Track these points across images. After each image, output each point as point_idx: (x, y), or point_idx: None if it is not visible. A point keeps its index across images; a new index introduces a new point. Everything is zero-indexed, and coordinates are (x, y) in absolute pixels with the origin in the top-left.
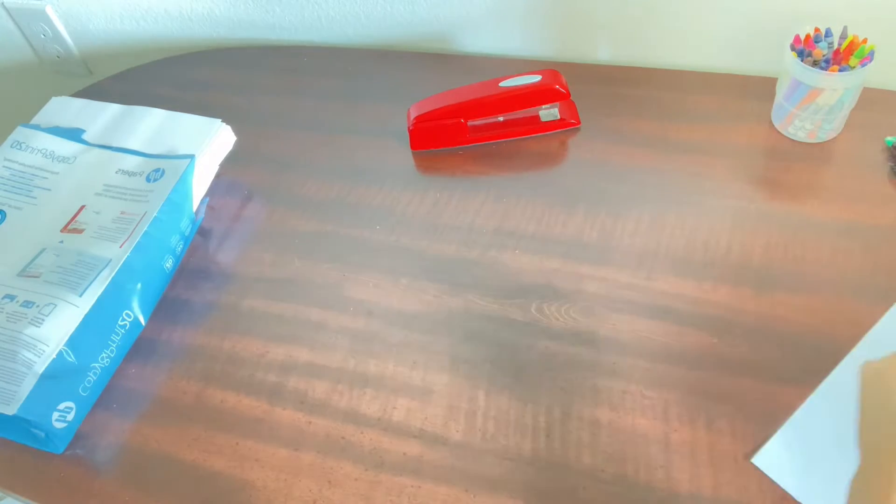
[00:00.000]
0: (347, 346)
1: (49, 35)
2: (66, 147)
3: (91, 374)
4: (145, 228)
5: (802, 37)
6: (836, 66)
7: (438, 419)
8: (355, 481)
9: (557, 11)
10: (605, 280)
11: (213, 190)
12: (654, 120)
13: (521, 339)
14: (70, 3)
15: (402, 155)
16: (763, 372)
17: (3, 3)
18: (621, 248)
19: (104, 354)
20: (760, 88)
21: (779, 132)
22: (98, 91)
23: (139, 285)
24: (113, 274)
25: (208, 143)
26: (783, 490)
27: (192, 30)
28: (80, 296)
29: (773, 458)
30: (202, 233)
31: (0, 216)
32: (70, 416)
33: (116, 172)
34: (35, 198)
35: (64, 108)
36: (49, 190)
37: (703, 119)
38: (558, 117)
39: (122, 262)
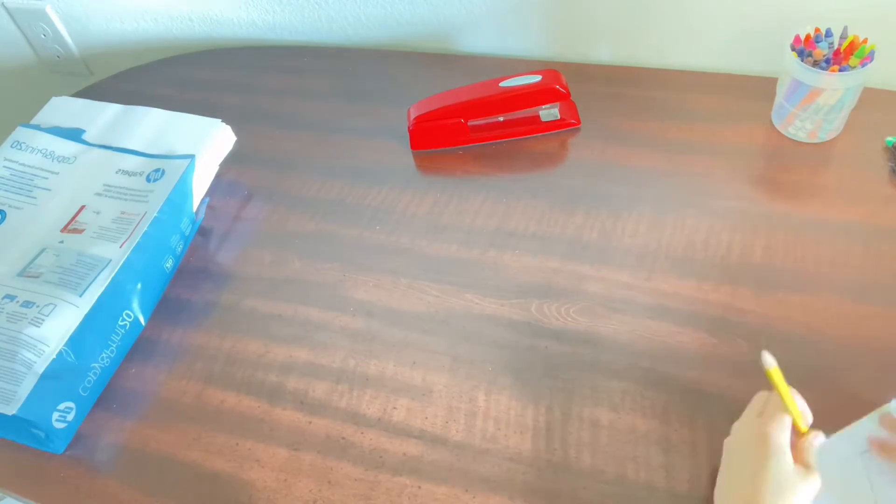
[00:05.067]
0: (347, 346)
1: (49, 35)
2: (66, 147)
3: (91, 374)
4: (145, 228)
5: (802, 37)
6: (836, 66)
7: (438, 419)
8: (355, 481)
9: (558, 11)
10: (604, 280)
11: (213, 190)
12: (654, 120)
13: (521, 339)
14: (70, 3)
15: (402, 155)
16: (763, 372)
17: (3, 3)
18: (621, 248)
19: (104, 354)
20: (760, 88)
21: (779, 132)
22: (98, 91)
23: (139, 285)
24: (113, 274)
25: (208, 143)
26: None
27: (192, 30)
28: (80, 296)
29: None
30: (202, 233)
31: (0, 216)
32: (70, 416)
33: (116, 172)
34: (35, 198)
35: (64, 108)
36: (49, 190)
37: (703, 119)
38: (558, 117)
39: (122, 262)
